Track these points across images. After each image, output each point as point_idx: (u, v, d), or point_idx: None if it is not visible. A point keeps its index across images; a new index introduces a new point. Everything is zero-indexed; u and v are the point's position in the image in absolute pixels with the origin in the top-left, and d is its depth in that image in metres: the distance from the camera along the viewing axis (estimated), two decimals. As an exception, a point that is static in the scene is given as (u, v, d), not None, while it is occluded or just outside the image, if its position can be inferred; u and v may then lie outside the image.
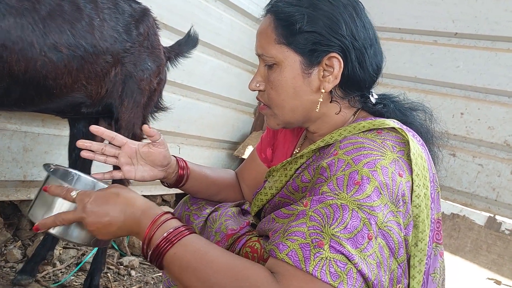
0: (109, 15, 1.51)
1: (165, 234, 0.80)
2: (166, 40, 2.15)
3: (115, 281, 2.02)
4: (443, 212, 2.43)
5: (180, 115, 2.63)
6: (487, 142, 2.62)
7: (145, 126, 1.06)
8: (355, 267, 0.73)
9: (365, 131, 0.91)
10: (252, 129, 3.33)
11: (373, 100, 1.02)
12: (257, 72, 1.02)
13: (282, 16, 0.94)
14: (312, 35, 0.93)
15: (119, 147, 1.09)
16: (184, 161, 1.21)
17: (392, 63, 2.89)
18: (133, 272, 2.13)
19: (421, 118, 1.05)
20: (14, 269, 1.85)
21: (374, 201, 0.77)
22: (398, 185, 0.80)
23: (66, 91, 1.45)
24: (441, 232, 0.95)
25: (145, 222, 0.83)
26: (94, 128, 1.04)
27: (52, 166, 1.06)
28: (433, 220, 0.90)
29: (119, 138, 1.09)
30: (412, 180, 0.84)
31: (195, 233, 0.83)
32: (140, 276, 2.14)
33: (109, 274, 2.03)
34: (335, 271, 0.72)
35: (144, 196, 2.61)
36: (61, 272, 1.94)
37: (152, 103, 1.79)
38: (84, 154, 1.06)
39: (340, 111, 1.00)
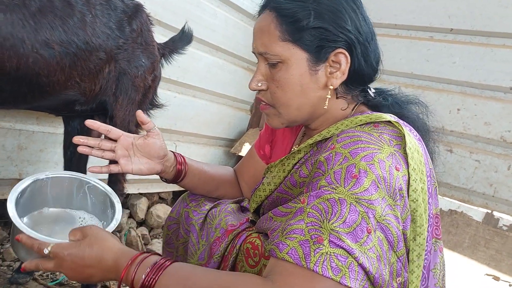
0: (101, 11, 1.49)
1: (147, 270, 0.78)
2: (160, 36, 2.13)
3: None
4: (441, 208, 2.43)
5: (176, 113, 2.61)
6: (484, 138, 2.62)
7: (139, 111, 1.06)
8: (356, 260, 0.72)
9: (362, 124, 0.90)
10: (249, 126, 3.32)
11: (371, 94, 1.02)
12: (257, 71, 0.99)
13: (287, 13, 0.91)
14: (319, 31, 0.91)
15: (115, 140, 1.09)
16: (182, 156, 1.22)
17: (388, 59, 2.87)
18: (129, 271, 2.11)
19: (417, 111, 1.04)
20: (11, 267, 1.85)
21: (372, 194, 0.76)
22: (395, 178, 0.80)
23: (59, 88, 1.43)
24: (440, 227, 0.95)
25: (123, 265, 0.81)
26: (89, 122, 1.04)
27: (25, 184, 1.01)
28: (431, 215, 0.89)
29: (115, 131, 1.09)
30: (408, 174, 0.83)
31: (177, 261, 0.82)
32: (137, 275, 2.12)
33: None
34: (336, 265, 0.72)
35: (141, 194, 2.61)
36: (57, 271, 1.93)
37: (147, 100, 1.77)
38: (81, 149, 1.06)
39: (347, 107, 0.99)
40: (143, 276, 0.77)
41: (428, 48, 2.86)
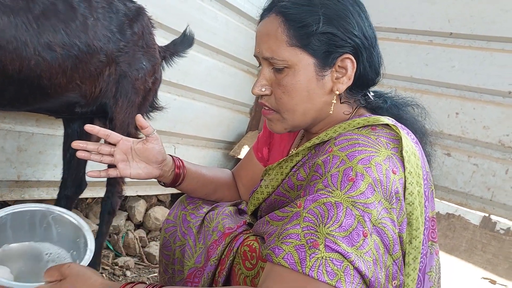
0: (103, 14, 1.50)
1: None
2: (161, 39, 2.14)
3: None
4: (438, 211, 2.44)
5: (176, 115, 2.62)
6: (482, 142, 2.63)
7: (138, 116, 1.05)
8: (351, 264, 0.73)
9: (360, 127, 0.91)
10: (248, 129, 3.32)
11: (371, 97, 1.03)
12: (260, 75, 0.97)
13: (295, 17, 0.90)
14: (327, 36, 0.90)
15: (114, 145, 1.09)
16: (180, 160, 1.21)
17: (388, 62, 2.87)
18: (128, 273, 2.12)
19: (415, 113, 1.05)
20: (8, 269, 1.84)
21: (368, 198, 0.77)
22: (392, 182, 0.80)
23: (61, 90, 1.44)
24: (436, 230, 0.95)
25: None
26: (88, 127, 1.04)
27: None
28: (427, 218, 0.90)
29: (114, 135, 1.09)
30: (405, 177, 0.84)
31: (164, 286, 0.81)
32: (135, 276, 2.13)
33: (104, 275, 2.02)
34: (331, 269, 0.72)
35: (139, 196, 2.62)
36: (55, 272, 1.93)
37: (147, 103, 1.78)
38: (79, 154, 1.06)
39: (353, 111, 0.99)
40: None
41: (428, 52, 2.87)
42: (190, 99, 2.74)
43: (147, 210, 2.65)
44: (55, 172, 2.04)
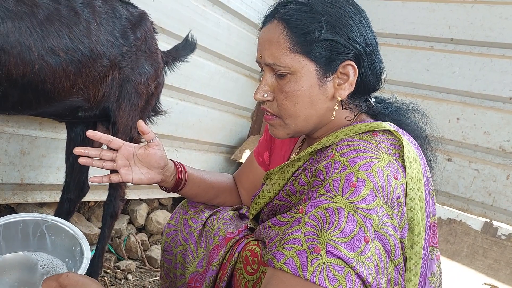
0: (106, 20, 1.52)
1: None
2: (164, 44, 2.15)
3: (112, 285, 2.01)
4: (439, 217, 2.44)
5: (178, 119, 2.63)
6: (483, 148, 2.63)
7: (140, 121, 1.05)
8: (353, 270, 0.73)
9: (361, 133, 0.91)
10: (250, 133, 3.33)
11: (372, 102, 1.03)
12: (262, 81, 0.97)
13: (297, 24, 0.91)
14: (330, 43, 0.91)
15: (116, 150, 1.10)
16: (182, 165, 1.22)
17: (389, 68, 2.88)
18: (130, 276, 2.12)
19: (416, 119, 1.05)
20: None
21: (369, 203, 0.77)
22: (393, 187, 0.81)
23: (64, 95, 1.45)
24: (437, 235, 0.95)
25: None
26: (90, 133, 1.05)
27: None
28: (428, 224, 0.90)
29: (116, 141, 1.09)
30: (406, 183, 0.84)
31: None
32: (137, 280, 2.13)
33: (106, 278, 2.02)
34: (333, 275, 0.72)
35: (141, 200, 2.63)
36: (57, 276, 1.93)
37: (150, 107, 1.79)
38: (81, 160, 1.07)
39: (355, 117, 1.00)
40: None
41: (428, 58, 2.88)
42: (192, 103, 2.75)
43: (149, 213, 2.65)
44: (58, 175, 2.05)
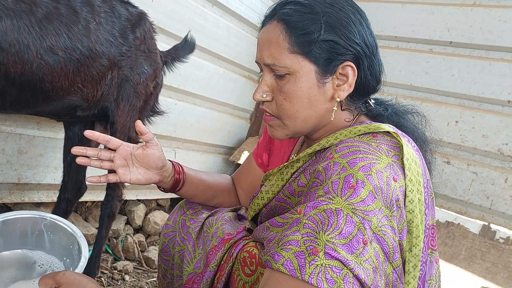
0: (105, 19, 1.51)
1: None
2: (163, 44, 2.15)
3: (109, 285, 2.00)
4: (438, 220, 2.44)
5: (176, 120, 2.63)
6: (481, 151, 2.63)
7: (138, 122, 1.05)
8: (351, 272, 0.73)
9: (361, 134, 0.91)
10: (248, 134, 3.33)
11: (372, 104, 1.03)
12: (262, 81, 0.97)
13: (296, 25, 0.91)
14: (329, 44, 0.91)
15: (114, 150, 1.09)
16: (180, 165, 1.21)
17: (388, 71, 2.88)
18: (127, 277, 2.11)
19: (416, 121, 1.05)
20: (6, 272, 1.83)
21: (368, 205, 0.77)
22: (393, 189, 0.81)
23: (63, 94, 1.45)
24: (436, 238, 0.95)
25: None
26: (88, 133, 1.04)
27: None
28: (427, 226, 0.90)
29: (114, 141, 1.09)
30: (405, 185, 0.84)
31: None
32: (134, 280, 2.12)
33: (103, 279, 2.02)
34: (331, 277, 0.72)
35: (139, 200, 2.62)
36: (53, 276, 1.92)
37: (148, 107, 1.79)
38: (79, 160, 1.06)
39: (354, 118, 1.00)
40: None
41: (428, 60, 2.88)
42: (191, 104, 2.75)
43: (146, 214, 2.65)
44: (55, 175, 2.04)
